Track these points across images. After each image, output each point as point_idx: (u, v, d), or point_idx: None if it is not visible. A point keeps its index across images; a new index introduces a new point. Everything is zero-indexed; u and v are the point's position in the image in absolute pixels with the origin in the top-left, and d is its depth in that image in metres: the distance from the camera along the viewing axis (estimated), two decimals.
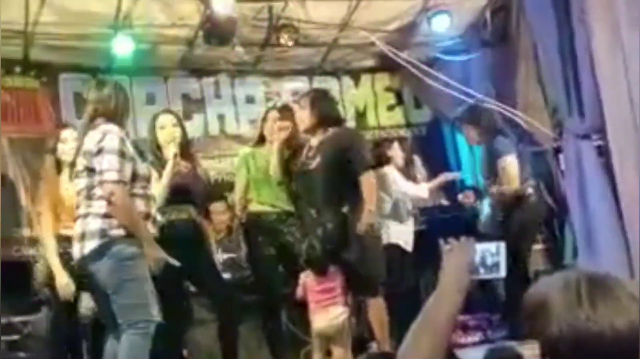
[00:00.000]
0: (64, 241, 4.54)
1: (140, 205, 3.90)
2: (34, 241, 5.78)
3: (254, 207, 5.23)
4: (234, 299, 5.06)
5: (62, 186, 4.61)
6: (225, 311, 4.94)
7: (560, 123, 3.73)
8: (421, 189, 5.95)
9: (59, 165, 4.71)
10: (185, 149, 4.94)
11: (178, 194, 4.75)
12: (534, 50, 5.13)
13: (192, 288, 5.17)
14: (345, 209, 4.70)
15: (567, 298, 1.38)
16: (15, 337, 5.30)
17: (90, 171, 3.81)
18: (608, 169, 3.36)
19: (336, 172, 4.73)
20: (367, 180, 4.75)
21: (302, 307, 4.92)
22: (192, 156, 5.07)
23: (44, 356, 4.99)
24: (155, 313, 3.81)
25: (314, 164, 4.81)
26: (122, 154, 3.79)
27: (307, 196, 4.89)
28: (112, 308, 3.81)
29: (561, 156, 4.72)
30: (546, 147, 5.87)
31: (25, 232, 5.84)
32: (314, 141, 4.91)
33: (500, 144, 5.54)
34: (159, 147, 4.90)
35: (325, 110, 4.94)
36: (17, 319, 5.32)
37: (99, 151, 3.77)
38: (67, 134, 4.75)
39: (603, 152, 3.42)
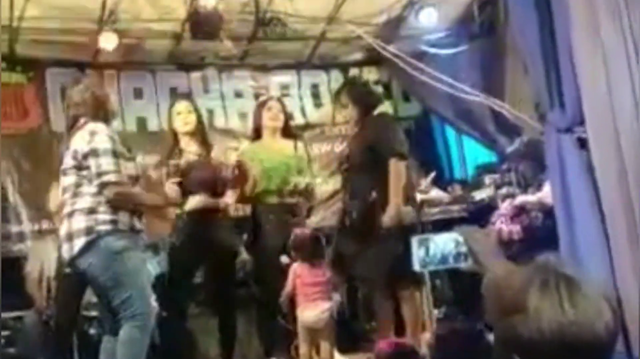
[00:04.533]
0: None
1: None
2: (22, 237, 5.81)
3: (263, 198, 5.22)
4: (234, 293, 5.11)
5: None
6: (225, 304, 4.98)
7: (542, 116, 3.72)
8: None
9: None
10: (200, 136, 5.02)
11: (190, 182, 4.80)
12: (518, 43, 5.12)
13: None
14: (372, 197, 4.66)
15: (548, 300, 1.39)
16: (7, 333, 5.30)
17: (79, 169, 3.80)
18: (589, 162, 3.36)
19: (365, 159, 4.72)
20: (394, 167, 4.66)
21: (291, 300, 4.94)
22: (207, 144, 5.13)
23: (35, 352, 4.99)
24: (154, 304, 3.84)
25: (347, 152, 4.87)
26: (115, 154, 3.80)
27: (344, 185, 4.92)
28: (110, 303, 3.81)
29: None
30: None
31: (14, 228, 5.84)
32: (352, 130, 4.96)
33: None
34: (175, 135, 5.07)
35: (366, 101, 5.01)
36: (9, 315, 5.32)
37: (93, 152, 3.76)
38: None
39: (584, 145, 3.42)
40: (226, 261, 5.04)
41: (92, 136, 3.79)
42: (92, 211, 3.77)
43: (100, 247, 3.74)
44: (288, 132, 5.44)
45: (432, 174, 6.30)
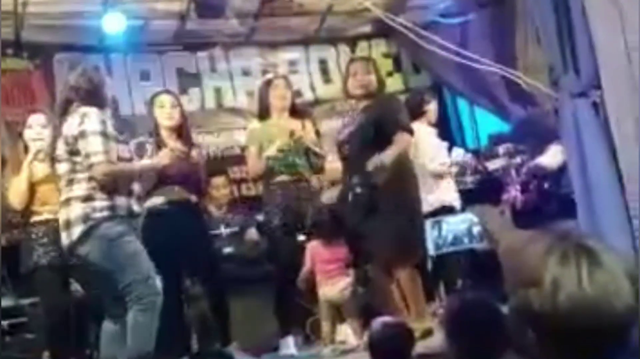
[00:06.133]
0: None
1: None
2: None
3: (273, 177, 5.17)
4: (239, 274, 5.07)
5: (23, 171, 4.55)
6: (214, 290, 4.95)
7: (557, 82, 3.65)
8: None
9: (26, 150, 4.67)
10: (183, 131, 4.95)
11: (169, 177, 4.72)
12: (530, 9, 5.05)
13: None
14: (375, 174, 4.62)
15: (566, 274, 1.32)
16: (23, 319, 5.31)
17: (72, 154, 3.80)
18: (605, 127, 3.30)
19: (368, 135, 4.66)
20: (401, 136, 4.65)
21: (303, 277, 4.91)
22: (189, 138, 5.06)
23: (51, 338, 4.99)
24: (159, 286, 3.84)
25: (355, 127, 4.77)
26: (104, 135, 3.78)
27: (346, 162, 4.85)
28: (114, 288, 3.81)
29: None
30: (547, 108, 5.80)
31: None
32: (353, 108, 4.92)
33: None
34: (156, 126, 4.93)
35: (383, 81, 5.06)
36: (24, 301, 5.33)
37: (82, 134, 3.75)
38: (34, 120, 4.72)
39: (600, 109, 3.36)
40: (199, 253, 4.96)
41: (82, 118, 3.78)
42: (88, 198, 3.77)
43: (98, 235, 3.75)
44: (295, 110, 5.38)
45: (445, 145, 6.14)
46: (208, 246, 5.10)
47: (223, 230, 5.87)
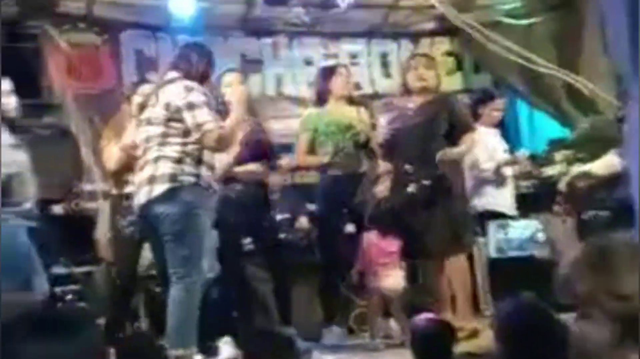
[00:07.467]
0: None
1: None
2: (94, 196, 5.93)
3: (327, 166, 5.20)
4: (288, 261, 5.11)
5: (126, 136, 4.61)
6: (279, 272, 4.99)
7: (625, 92, 3.59)
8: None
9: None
10: (251, 106, 5.02)
11: (249, 151, 4.79)
12: (601, 15, 4.97)
13: (249, 247, 5.23)
14: (440, 171, 4.68)
15: None
16: (76, 287, 5.44)
17: (171, 120, 3.86)
18: None
19: (437, 132, 4.78)
20: (470, 136, 4.88)
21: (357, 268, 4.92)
22: (257, 113, 5.14)
23: (102, 308, 5.10)
24: (207, 268, 3.87)
25: (416, 121, 4.84)
26: (209, 107, 3.90)
27: (404, 152, 4.86)
28: (167, 257, 3.84)
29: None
30: (609, 117, 5.72)
31: (86, 186, 5.96)
32: (411, 103, 4.95)
33: None
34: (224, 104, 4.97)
35: (440, 79, 5.20)
36: (78, 270, 5.46)
37: (190, 106, 3.83)
38: (147, 89, 4.80)
39: None
40: (270, 232, 5.02)
41: (187, 92, 3.87)
42: (179, 160, 3.82)
43: (180, 198, 3.78)
44: (352, 99, 5.41)
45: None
46: (275, 229, 5.16)
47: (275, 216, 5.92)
